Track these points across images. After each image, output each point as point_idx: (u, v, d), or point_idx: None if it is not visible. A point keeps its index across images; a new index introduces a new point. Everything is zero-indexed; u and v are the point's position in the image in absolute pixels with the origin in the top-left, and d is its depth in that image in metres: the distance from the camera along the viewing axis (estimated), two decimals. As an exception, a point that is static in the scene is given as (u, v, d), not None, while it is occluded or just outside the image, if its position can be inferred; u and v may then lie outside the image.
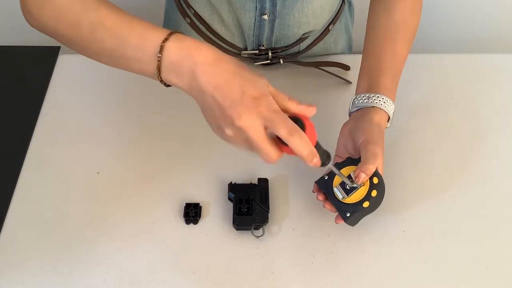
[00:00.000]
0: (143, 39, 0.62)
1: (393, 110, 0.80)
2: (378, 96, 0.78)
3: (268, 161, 0.62)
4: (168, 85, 0.64)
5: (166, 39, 0.61)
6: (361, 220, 0.80)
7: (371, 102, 0.78)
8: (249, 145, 0.61)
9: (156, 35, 0.61)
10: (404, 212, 0.82)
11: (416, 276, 0.76)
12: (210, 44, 0.62)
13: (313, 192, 0.79)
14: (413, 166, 0.88)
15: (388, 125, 0.80)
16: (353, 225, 0.76)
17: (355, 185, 0.74)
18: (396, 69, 0.82)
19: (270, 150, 0.61)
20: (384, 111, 0.78)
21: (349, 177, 0.75)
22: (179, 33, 0.62)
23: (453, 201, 0.84)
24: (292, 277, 0.76)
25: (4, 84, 1.00)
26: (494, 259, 0.78)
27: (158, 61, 0.61)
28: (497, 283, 0.76)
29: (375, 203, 0.74)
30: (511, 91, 1.00)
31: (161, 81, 0.63)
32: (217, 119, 0.61)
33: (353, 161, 0.76)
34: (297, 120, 0.63)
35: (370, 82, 0.81)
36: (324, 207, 0.77)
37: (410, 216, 0.82)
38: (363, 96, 0.79)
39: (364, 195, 0.73)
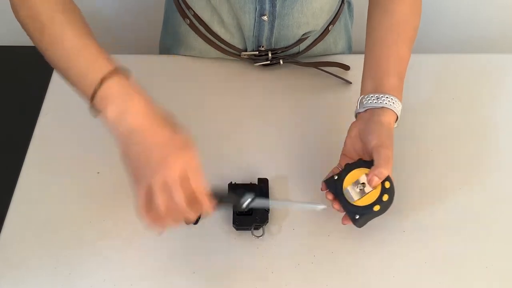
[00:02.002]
0: (91, 65, 0.66)
1: (400, 109, 0.79)
2: (387, 97, 0.78)
3: (175, 219, 0.66)
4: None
5: (111, 73, 0.65)
6: (361, 220, 0.80)
7: (380, 102, 0.78)
8: (160, 198, 0.63)
9: (103, 66, 0.65)
10: (404, 212, 0.82)
11: (416, 276, 0.76)
12: (145, 93, 0.66)
13: (321, 190, 0.79)
14: (413, 166, 0.88)
15: (396, 125, 0.80)
16: (360, 227, 0.75)
17: (365, 189, 0.74)
18: (401, 70, 0.82)
19: (181, 203, 0.63)
20: (393, 111, 0.78)
21: (356, 182, 0.75)
22: (127, 73, 0.66)
23: (453, 201, 0.84)
24: (292, 277, 0.76)
25: (4, 84, 1.00)
26: (494, 259, 0.78)
27: (95, 89, 0.65)
28: (497, 283, 0.76)
29: (385, 207, 0.74)
30: (511, 91, 1.00)
31: (90, 106, 0.66)
32: (140, 164, 0.64)
33: (365, 163, 0.75)
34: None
35: (376, 83, 0.80)
36: (333, 207, 0.76)
37: (410, 216, 0.82)
38: (372, 96, 0.78)
39: (375, 199, 0.73)
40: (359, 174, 0.75)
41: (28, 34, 0.72)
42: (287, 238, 0.80)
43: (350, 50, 1.12)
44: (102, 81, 0.64)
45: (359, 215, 0.73)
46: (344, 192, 0.75)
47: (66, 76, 0.69)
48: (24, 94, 0.99)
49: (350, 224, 0.80)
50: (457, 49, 1.60)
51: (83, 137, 0.91)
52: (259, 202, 0.73)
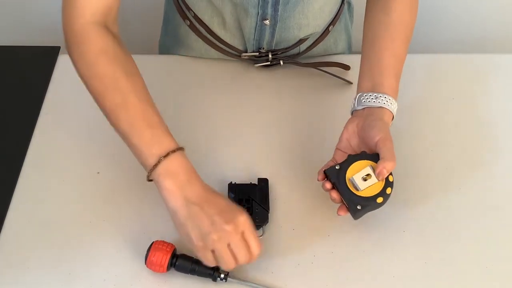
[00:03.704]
0: (157, 139, 0.72)
1: (396, 109, 0.80)
2: (385, 97, 0.79)
3: (244, 261, 0.71)
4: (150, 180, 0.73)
5: (174, 151, 0.71)
6: (361, 220, 0.80)
7: (379, 102, 0.78)
8: (225, 252, 0.69)
9: (167, 144, 0.71)
10: (404, 212, 0.82)
11: (416, 276, 0.76)
12: (200, 181, 0.72)
13: (318, 180, 0.78)
14: (413, 166, 0.88)
15: (391, 124, 0.81)
16: (356, 219, 0.75)
17: (369, 181, 0.74)
18: (397, 69, 0.83)
19: (246, 251, 0.70)
20: (390, 111, 0.79)
21: (361, 173, 0.75)
22: (183, 150, 0.72)
23: (453, 201, 0.84)
24: (292, 277, 0.76)
25: (4, 84, 1.00)
26: (494, 259, 0.78)
27: (158, 162, 0.70)
28: (497, 283, 0.76)
29: (386, 200, 0.74)
30: (511, 91, 1.00)
31: (149, 175, 0.72)
32: (203, 227, 0.68)
33: (369, 156, 0.76)
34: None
35: (374, 82, 0.81)
36: (330, 195, 0.76)
37: (410, 216, 0.82)
38: (370, 95, 0.79)
39: (379, 191, 0.74)
40: (363, 165, 0.75)
41: (88, 91, 0.76)
42: (287, 238, 0.80)
43: (350, 50, 1.12)
44: (163, 158, 0.70)
45: (361, 206, 0.73)
46: (349, 181, 0.75)
47: (127, 140, 0.73)
48: (24, 94, 0.98)
49: (350, 224, 0.80)
50: (457, 49, 1.60)
51: (83, 137, 0.91)
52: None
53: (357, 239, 0.79)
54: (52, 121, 0.94)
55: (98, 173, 0.87)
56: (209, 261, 0.70)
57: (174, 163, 0.71)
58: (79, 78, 1.00)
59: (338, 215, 0.76)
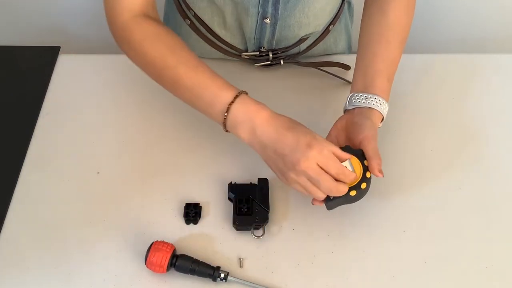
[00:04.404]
0: (214, 98, 0.75)
1: (386, 110, 0.82)
2: (375, 98, 0.80)
3: (330, 193, 0.72)
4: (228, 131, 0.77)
5: (232, 102, 0.74)
6: (360, 220, 0.80)
7: (368, 103, 0.80)
8: (310, 186, 0.72)
9: (224, 96, 0.75)
10: (404, 212, 0.82)
11: (416, 276, 0.76)
12: (267, 107, 0.75)
13: None
14: (413, 166, 0.88)
15: (380, 125, 0.82)
16: (329, 209, 0.76)
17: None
18: (390, 71, 0.84)
19: (330, 182, 0.71)
20: (379, 112, 0.80)
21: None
22: (245, 94, 0.76)
23: (453, 201, 0.84)
24: (292, 277, 0.76)
25: (4, 84, 1.00)
26: (494, 259, 0.78)
27: (224, 118, 0.75)
28: (497, 283, 0.76)
29: (361, 195, 0.75)
30: (511, 91, 1.00)
31: (225, 130, 0.77)
32: (280, 167, 0.73)
33: (351, 150, 0.76)
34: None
35: (366, 82, 0.82)
36: None
37: (410, 216, 0.82)
38: (361, 96, 0.81)
39: (354, 184, 0.74)
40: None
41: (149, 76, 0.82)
42: (287, 238, 0.80)
43: (350, 50, 1.13)
44: (227, 110, 0.74)
45: (333, 197, 0.73)
46: None
47: (193, 106, 0.79)
48: (24, 94, 0.98)
49: (350, 224, 0.81)
50: (457, 49, 1.60)
51: (83, 137, 0.91)
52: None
53: (357, 239, 0.79)
54: (52, 121, 0.94)
55: (98, 173, 0.87)
56: (300, 190, 0.73)
57: (238, 113, 0.74)
58: (79, 78, 1.01)
59: (312, 204, 0.76)
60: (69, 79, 1.00)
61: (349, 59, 1.02)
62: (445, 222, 0.82)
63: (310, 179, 0.71)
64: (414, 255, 0.78)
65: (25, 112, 0.95)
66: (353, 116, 0.80)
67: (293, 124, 0.74)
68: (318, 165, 0.70)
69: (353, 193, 0.74)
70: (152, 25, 0.81)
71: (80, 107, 0.96)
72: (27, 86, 1.00)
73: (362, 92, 0.81)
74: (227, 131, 0.77)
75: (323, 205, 0.75)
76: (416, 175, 0.86)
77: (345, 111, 0.83)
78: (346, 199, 0.74)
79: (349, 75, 1.00)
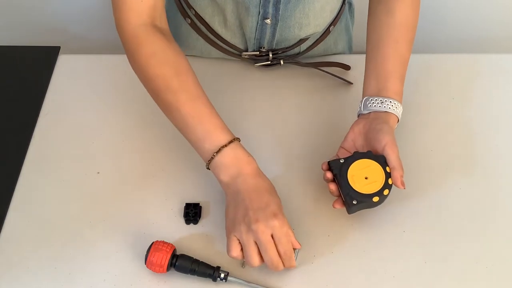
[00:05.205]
0: (207, 135, 0.76)
1: (401, 112, 0.82)
2: (390, 101, 0.81)
3: (271, 265, 0.72)
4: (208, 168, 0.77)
5: (225, 146, 0.75)
6: (361, 220, 0.80)
7: (384, 107, 0.80)
8: (250, 247, 0.71)
9: (218, 138, 0.75)
10: (404, 213, 0.82)
11: (416, 276, 0.76)
12: (256, 162, 0.76)
13: (322, 169, 0.79)
14: (413, 166, 0.87)
15: (395, 127, 0.82)
16: (350, 213, 0.76)
17: (369, 179, 0.75)
18: (402, 71, 0.84)
19: (275, 255, 0.71)
20: (396, 115, 0.81)
21: (363, 171, 0.76)
22: (239, 141, 0.77)
23: (453, 201, 0.84)
24: (292, 277, 0.76)
25: (4, 84, 1.00)
26: (494, 259, 0.78)
27: (212, 157, 0.75)
28: (497, 283, 0.76)
29: (381, 201, 0.75)
30: (511, 91, 1.00)
31: (207, 167, 0.77)
32: (238, 216, 0.72)
33: (374, 156, 0.77)
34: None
35: (380, 85, 0.82)
36: (329, 187, 0.77)
37: (410, 216, 0.82)
38: (376, 100, 0.81)
39: (376, 190, 0.75)
40: (367, 164, 0.76)
41: (146, 89, 0.82)
42: (287, 238, 0.80)
43: (350, 51, 1.12)
44: (218, 151, 0.75)
45: (357, 201, 0.74)
46: (350, 176, 0.76)
47: (182, 133, 0.79)
48: (24, 94, 0.98)
49: (350, 224, 0.81)
50: (457, 49, 1.60)
51: (83, 137, 0.91)
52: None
53: (357, 239, 0.79)
54: (52, 121, 0.94)
55: (98, 173, 0.87)
56: (232, 250, 0.72)
57: (228, 157, 0.75)
58: (79, 78, 1.01)
59: (334, 207, 0.77)
60: (69, 79, 1.00)
61: (349, 59, 1.02)
62: (445, 222, 0.82)
63: (258, 242, 0.70)
64: (414, 255, 0.78)
65: (25, 112, 0.95)
66: (370, 121, 0.80)
67: (272, 190, 0.75)
68: (271, 236, 0.71)
69: (376, 199, 0.74)
70: (161, 40, 0.80)
71: (80, 107, 0.96)
72: (27, 86, 1.00)
73: (376, 95, 0.82)
74: (208, 168, 0.77)
75: (343, 208, 0.76)
76: (416, 175, 0.86)
77: (359, 115, 0.83)
78: (368, 204, 0.75)
79: (350, 75, 1.00)
